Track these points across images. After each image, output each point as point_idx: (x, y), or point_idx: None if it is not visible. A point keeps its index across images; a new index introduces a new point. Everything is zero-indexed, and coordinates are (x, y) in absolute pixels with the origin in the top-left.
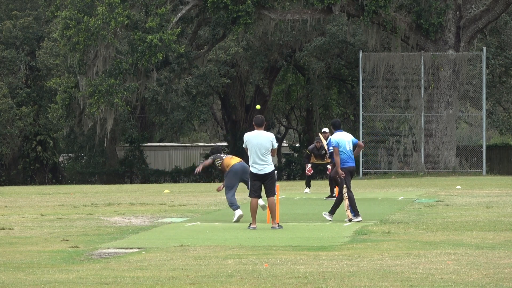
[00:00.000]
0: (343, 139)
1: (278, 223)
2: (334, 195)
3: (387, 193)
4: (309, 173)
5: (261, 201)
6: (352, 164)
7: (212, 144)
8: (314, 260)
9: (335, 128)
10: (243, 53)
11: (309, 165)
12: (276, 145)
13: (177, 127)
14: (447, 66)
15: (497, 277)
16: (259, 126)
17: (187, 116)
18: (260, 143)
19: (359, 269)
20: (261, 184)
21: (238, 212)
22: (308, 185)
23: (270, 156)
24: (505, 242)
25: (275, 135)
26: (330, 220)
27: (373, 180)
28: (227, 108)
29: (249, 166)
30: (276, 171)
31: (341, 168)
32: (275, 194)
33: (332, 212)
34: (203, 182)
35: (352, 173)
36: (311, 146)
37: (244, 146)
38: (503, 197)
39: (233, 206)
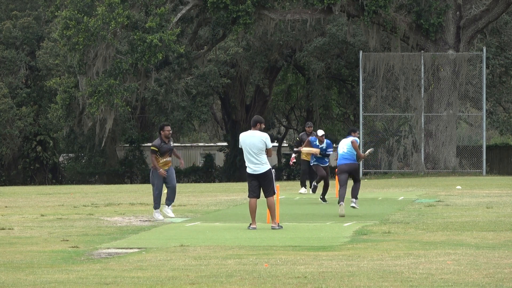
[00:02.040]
0: (340, 144)
1: (278, 223)
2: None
3: (387, 193)
4: (292, 163)
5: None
6: (343, 162)
7: (212, 144)
8: (314, 260)
9: (348, 134)
10: (243, 53)
11: (294, 155)
12: (270, 145)
13: (177, 127)
14: (447, 66)
15: (497, 277)
16: (253, 126)
17: (187, 116)
18: (252, 143)
19: (359, 269)
20: (258, 184)
21: (157, 216)
22: (303, 185)
23: (265, 156)
24: (505, 242)
25: (275, 135)
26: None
27: (373, 180)
28: (227, 108)
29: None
30: (273, 170)
31: (338, 165)
32: (273, 194)
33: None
34: (203, 182)
35: (343, 171)
36: (301, 133)
37: (240, 146)
38: (503, 197)
39: (154, 204)
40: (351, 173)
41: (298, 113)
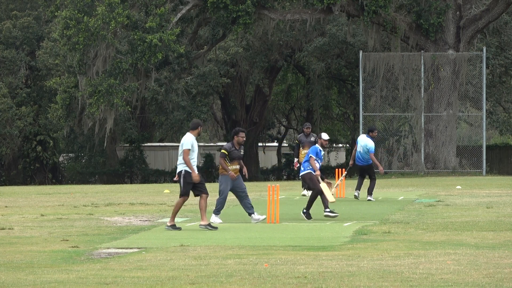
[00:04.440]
0: (359, 141)
1: (207, 224)
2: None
3: (387, 193)
4: (296, 168)
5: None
6: (358, 162)
7: (212, 144)
8: (314, 260)
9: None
10: (243, 53)
11: (296, 159)
12: (183, 147)
13: (177, 127)
14: (447, 66)
15: (497, 277)
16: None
17: (187, 116)
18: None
19: (359, 269)
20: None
21: (216, 220)
22: (305, 187)
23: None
24: (505, 242)
25: (275, 135)
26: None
27: None
28: (227, 108)
29: None
30: (183, 173)
31: (356, 162)
32: (182, 195)
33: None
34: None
35: (358, 169)
36: (300, 135)
37: None
38: (503, 197)
39: (215, 209)
40: (366, 172)
41: (298, 113)
